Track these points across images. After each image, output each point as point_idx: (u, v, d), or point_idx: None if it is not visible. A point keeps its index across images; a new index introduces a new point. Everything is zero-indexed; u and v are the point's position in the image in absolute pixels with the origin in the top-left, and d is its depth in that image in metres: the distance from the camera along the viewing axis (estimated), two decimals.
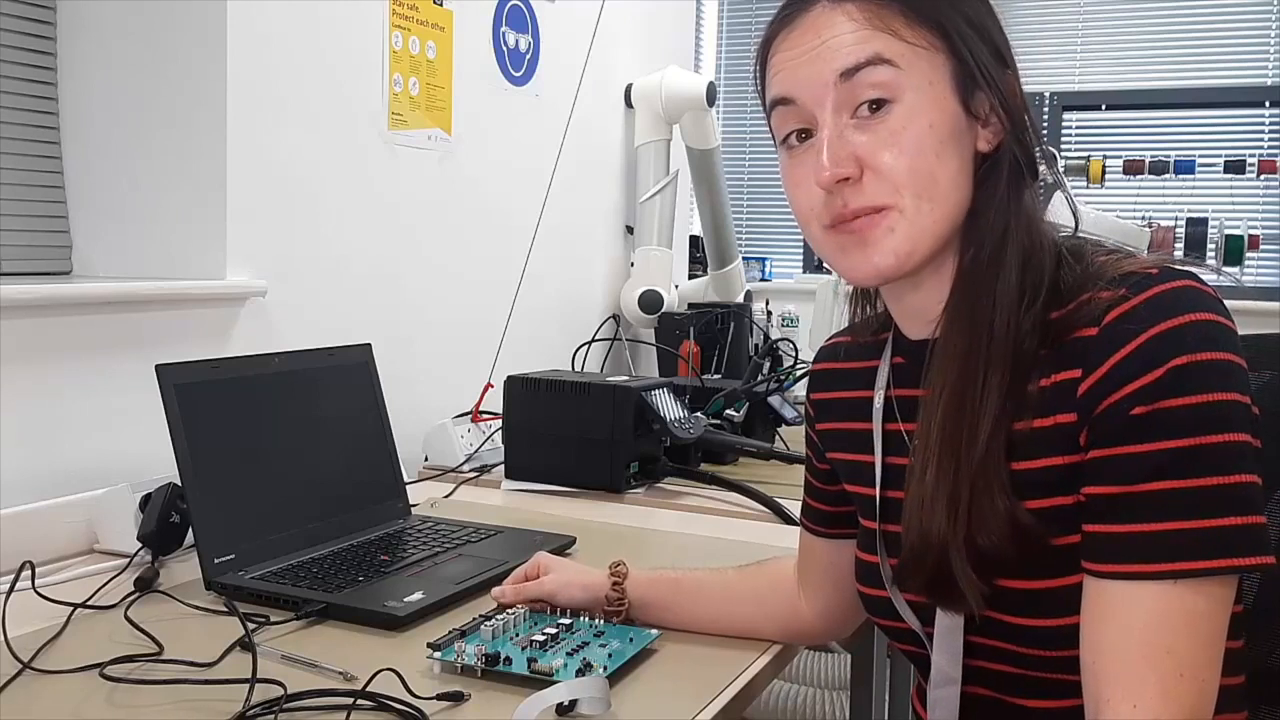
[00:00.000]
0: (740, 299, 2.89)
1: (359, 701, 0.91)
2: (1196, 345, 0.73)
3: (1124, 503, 0.75)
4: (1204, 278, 0.78)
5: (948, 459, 0.80)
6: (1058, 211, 0.89)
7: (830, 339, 1.06)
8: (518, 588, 1.13)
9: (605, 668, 0.97)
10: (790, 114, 0.85)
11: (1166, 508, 0.73)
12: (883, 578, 0.92)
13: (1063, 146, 3.83)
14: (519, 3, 2.35)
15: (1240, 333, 0.77)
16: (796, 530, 1.13)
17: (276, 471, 1.33)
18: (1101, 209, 3.29)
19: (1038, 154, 0.86)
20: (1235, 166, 3.64)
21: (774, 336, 2.64)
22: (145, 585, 1.21)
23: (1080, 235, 0.88)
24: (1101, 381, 0.75)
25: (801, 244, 4.33)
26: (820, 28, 0.83)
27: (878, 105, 0.81)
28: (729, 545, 1.41)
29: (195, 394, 1.24)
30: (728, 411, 2.01)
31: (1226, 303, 0.78)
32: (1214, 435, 0.72)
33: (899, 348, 0.94)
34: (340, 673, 0.97)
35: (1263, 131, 3.67)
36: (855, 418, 0.98)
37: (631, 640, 1.04)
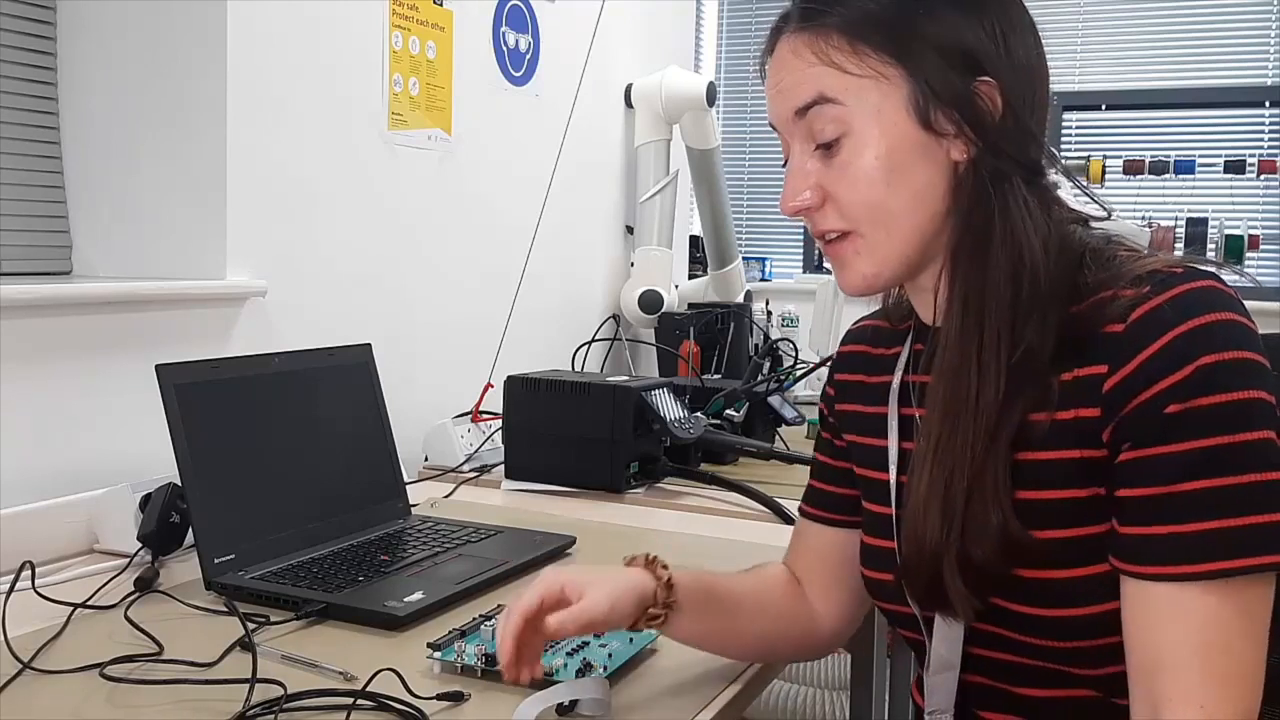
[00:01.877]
0: (740, 299, 2.89)
1: (359, 701, 0.91)
2: (1223, 344, 0.74)
3: (1163, 504, 0.75)
4: (1225, 278, 0.78)
5: (939, 471, 0.81)
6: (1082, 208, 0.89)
7: (859, 321, 1.06)
8: (565, 618, 0.86)
9: (605, 668, 0.97)
10: (780, 139, 0.90)
11: (1206, 507, 0.73)
12: (895, 562, 0.91)
13: (1063, 146, 3.83)
14: (519, 3, 2.35)
15: None
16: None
17: (276, 471, 1.33)
18: None
19: (1044, 157, 0.86)
20: (1235, 166, 3.64)
21: (774, 336, 2.64)
22: (145, 585, 1.21)
23: (1104, 229, 0.88)
24: (1130, 378, 0.76)
25: (801, 244, 4.33)
26: (779, 65, 0.87)
27: (831, 140, 0.84)
28: (729, 545, 1.41)
29: (195, 394, 1.24)
30: (728, 411, 2.01)
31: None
32: (1245, 433, 0.73)
33: (919, 334, 0.95)
34: (340, 673, 0.97)
35: (1263, 131, 3.67)
36: (872, 401, 0.98)
37: (631, 640, 1.04)
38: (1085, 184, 0.92)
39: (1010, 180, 0.83)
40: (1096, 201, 0.90)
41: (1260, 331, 0.77)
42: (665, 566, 0.94)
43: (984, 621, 0.84)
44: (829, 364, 1.09)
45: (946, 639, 0.86)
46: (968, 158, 0.83)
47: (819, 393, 1.14)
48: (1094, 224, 0.88)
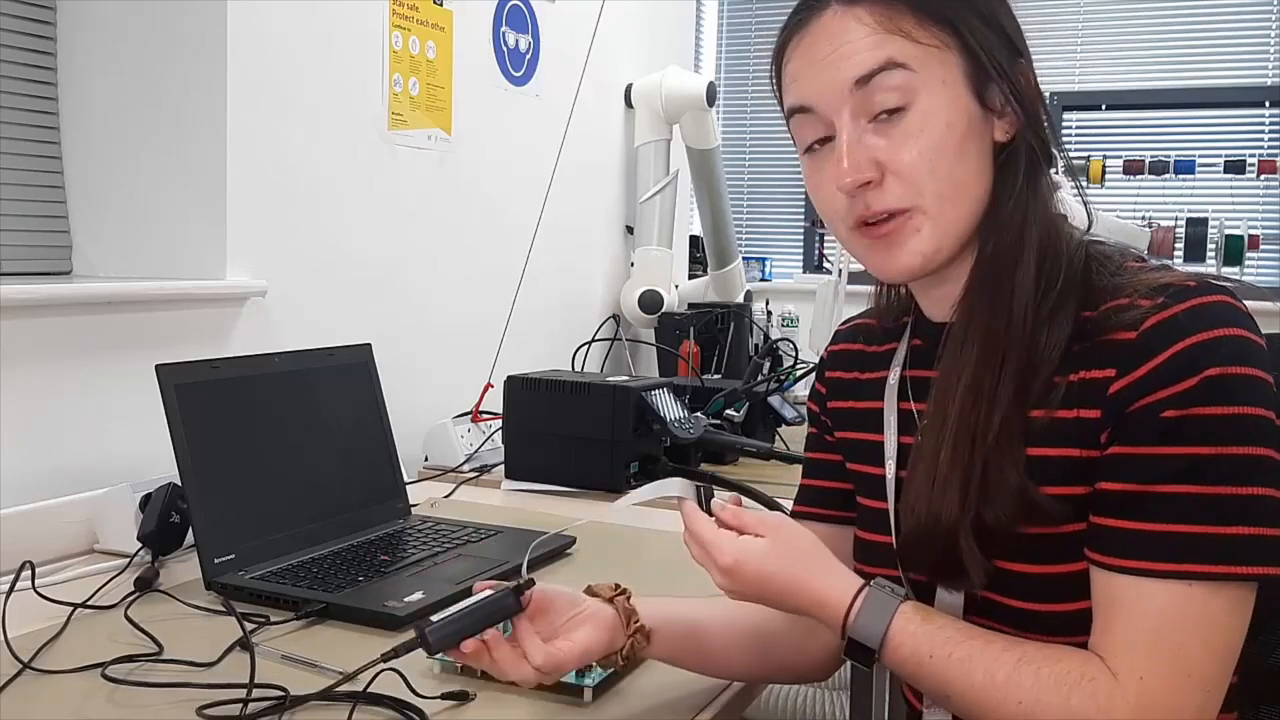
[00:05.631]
0: (740, 299, 2.89)
1: (362, 701, 0.91)
2: (1230, 358, 0.74)
3: (1141, 500, 0.76)
4: (1226, 281, 0.79)
5: (964, 443, 0.81)
6: (1071, 211, 0.89)
7: (849, 321, 1.06)
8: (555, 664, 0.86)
9: (609, 667, 0.97)
10: (809, 121, 0.86)
11: (1182, 510, 0.74)
12: (892, 556, 0.91)
13: (1063, 147, 3.82)
14: (519, 3, 2.35)
15: None
16: None
17: (276, 471, 1.33)
18: (1101, 209, 3.29)
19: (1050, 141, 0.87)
20: (1235, 166, 3.64)
21: (774, 336, 2.65)
22: (145, 585, 1.21)
23: (1099, 237, 0.88)
24: (1136, 384, 0.76)
25: (801, 244, 4.33)
26: (832, 34, 0.83)
27: (894, 109, 0.82)
28: None
29: (195, 394, 1.24)
30: (728, 411, 2.01)
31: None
32: (1238, 447, 0.74)
33: (918, 330, 0.95)
34: (340, 672, 0.97)
35: (1263, 131, 3.67)
36: (866, 397, 0.98)
37: None
38: (1084, 184, 0.92)
39: (1041, 166, 0.86)
40: (1087, 209, 0.90)
41: (1263, 331, 0.78)
42: (623, 592, 0.92)
43: (981, 616, 0.84)
44: (818, 364, 1.08)
45: None
46: (1009, 138, 0.85)
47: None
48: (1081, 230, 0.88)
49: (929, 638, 0.80)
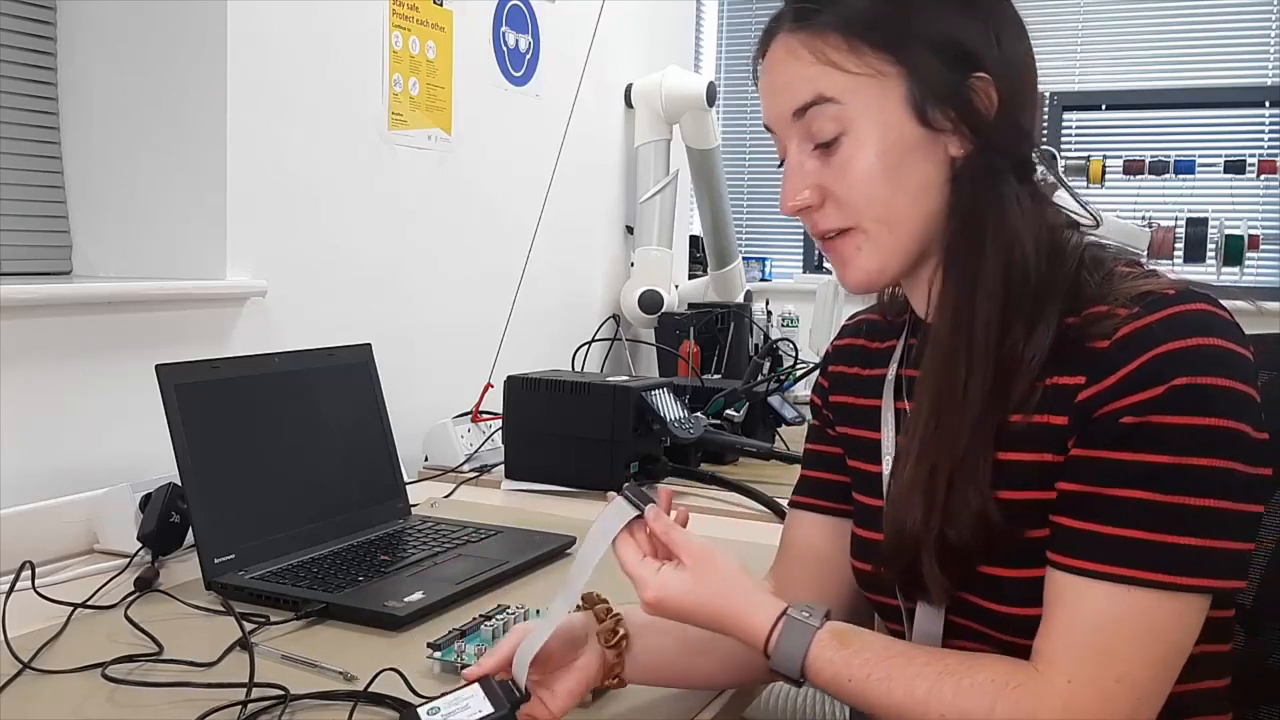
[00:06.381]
0: (740, 299, 2.89)
1: (360, 702, 0.91)
2: (1201, 368, 0.74)
3: (1093, 502, 0.76)
4: (1203, 281, 0.78)
5: (926, 459, 0.82)
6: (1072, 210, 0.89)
7: (855, 316, 1.06)
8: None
9: None
10: (775, 139, 0.89)
11: (1135, 515, 0.74)
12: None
13: (1063, 146, 3.82)
14: (519, 3, 2.35)
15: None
16: None
17: (276, 471, 1.33)
18: (1101, 209, 3.29)
19: (1035, 155, 0.86)
20: (1235, 166, 3.63)
21: (774, 336, 2.65)
22: (145, 585, 1.21)
23: (1097, 237, 0.88)
24: (1103, 393, 0.76)
25: (801, 244, 4.33)
26: (775, 65, 0.87)
27: (830, 140, 0.84)
28: (729, 545, 1.41)
29: (195, 394, 1.24)
30: (728, 411, 2.01)
31: (1224, 303, 0.78)
32: (1201, 458, 0.73)
33: (915, 329, 0.96)
34: (340, 673, 0.97)
35: (1263, 131, 3.66)
36: (865, 394, 0.99)
37: None
38: (1084, 185, 0.91)
39: (1005, 177, 0.84)
40: (1087, 210, 0.89)
41: (1260, 331, 0.77)
42: (616, 644, 0.92)
43: (961, 616, 0.85)
44: (823, 357, 1.09)
45: (926, 632, 0.87)
46: (965, 153, 0.84)
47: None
48: (1090, 232, 0.88)
49: (846, 662, 0.79)
